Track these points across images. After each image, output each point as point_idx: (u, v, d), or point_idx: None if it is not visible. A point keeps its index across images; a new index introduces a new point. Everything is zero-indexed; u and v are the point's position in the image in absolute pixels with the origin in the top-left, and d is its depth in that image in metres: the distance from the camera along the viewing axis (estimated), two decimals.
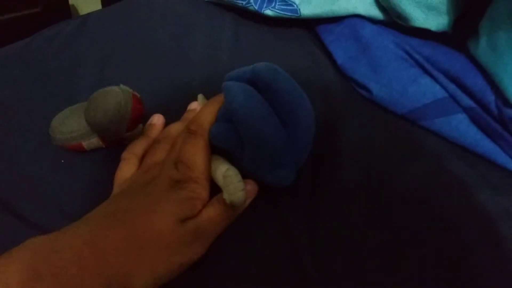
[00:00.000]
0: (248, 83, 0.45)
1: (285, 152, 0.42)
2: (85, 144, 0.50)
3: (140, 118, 0.51)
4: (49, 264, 0.30)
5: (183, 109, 0.56)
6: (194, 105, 0.55)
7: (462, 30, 0.57)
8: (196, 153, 0.42)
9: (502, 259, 0.43)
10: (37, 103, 0.62)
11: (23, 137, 0.57)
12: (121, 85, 0.50)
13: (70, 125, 0.51)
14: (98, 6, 0.96)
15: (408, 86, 0.55)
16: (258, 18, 0.71)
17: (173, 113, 0.55)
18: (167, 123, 0.55)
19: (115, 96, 0.47)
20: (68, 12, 0.89)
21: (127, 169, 0.45)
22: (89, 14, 0.79)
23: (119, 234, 0.34)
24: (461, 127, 0.53)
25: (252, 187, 0.44)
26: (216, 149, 0.45)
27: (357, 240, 0.45)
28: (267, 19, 0.70)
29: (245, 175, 0.43)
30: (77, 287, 0.30)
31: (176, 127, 0.50)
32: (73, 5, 0.92)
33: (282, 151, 0.42)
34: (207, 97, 0.59)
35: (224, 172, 0.41)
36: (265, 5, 0.66)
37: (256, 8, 0.67)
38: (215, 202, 0.41)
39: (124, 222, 0.35)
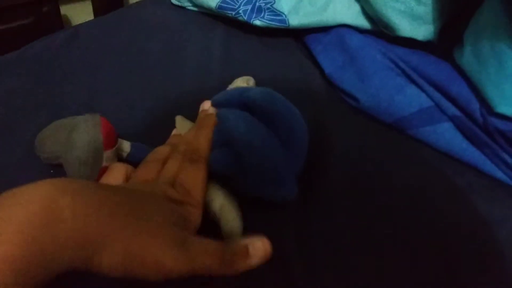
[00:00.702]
0: (240, 108, 0.45)
1: (286, 170, 0.43)
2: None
3: (114, 139, 0.48)
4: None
5: (173, 118, 0.57)
6: (176, 131, 0.54)
7: (448, 39, 0.58)
8: (197, 181, 0.40)
9: (488, 262, 0.43)
10: (28, 113, 0.62)
11: (13, 147, 0.57)
12: (86, 115, 0.47)
13: (50, 145, 0.48)
14: (90, 16, 0.97)
15: (395, 95, 0.55)
16: (248, 28, 0.72)
17: (163, 124, 0.55)
18: (159, 133, 0.55)
19: (85, 136, 0.44)
20: (60, 22, 0.90)
21: (145, 172, 0.43)
22: (81, 25, 0.79)
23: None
24: (447, 135, 0.53)
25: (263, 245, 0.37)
26: (212, 175, 0.44)
27: (346, 243, 0.45)
28: (257, 29, 0.70)
29: (246, 197, 0.43)
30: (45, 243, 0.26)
31: (163, 150, 0.47)
32: (65, 15, 0.93)
33: (284, 170, 0.42)
34: (194, 106, 0.59)
35: (222, 200, 0.41)
36: (254, 15, 0.67)
37: (246, 18, 0.67)
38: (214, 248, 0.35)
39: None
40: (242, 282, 0.42)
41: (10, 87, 0.66)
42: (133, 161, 0.46)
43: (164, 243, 0.31)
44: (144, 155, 0.44)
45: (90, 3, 0.97)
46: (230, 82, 0.61)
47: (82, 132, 0.44)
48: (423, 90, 0.55)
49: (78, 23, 0.83)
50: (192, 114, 0.59)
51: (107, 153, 0.44)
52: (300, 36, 0.69)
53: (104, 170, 0.43)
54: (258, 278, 0.42)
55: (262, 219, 0.46)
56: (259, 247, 0.36)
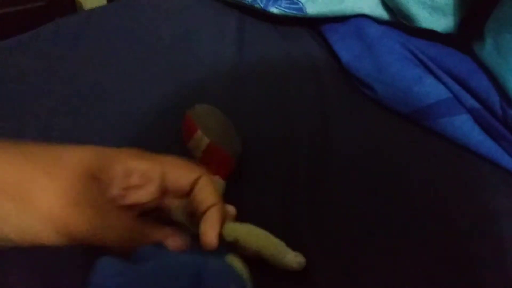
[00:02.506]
0: None
1: None
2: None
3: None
4: None
5: (187, 104, 0.56)
6: None
7: (467, 31, 0.57)
8: None
9: (503, 255, 0.43)
10: (40, 94, 0.62)
11: (23, 128, 0.57)
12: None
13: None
14: (103, 1, 0.97)
15: (413, 86, 0.55)
16: (262, 16, 0.71)
17: (176, 108, 0.55)
18: (171, 118, 0.55)
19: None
20: (73, 6, 0.90)
21: None
22: (94, 9, 0.79)
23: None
24: (464, 127, 0.53)
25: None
26: None
27: (363, 235, 0.45)
28: (272, 17, 0.70)
29: None
30: None
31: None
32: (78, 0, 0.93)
33: None
34: (211, 95, 0.59)
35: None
36: (271, 3, 0.67)
37: (262, 5, 0.67)
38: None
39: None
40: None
41: (24, 67, 0.67)
42: None
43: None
44: None
45: None
46: (245, 70, 0.61)
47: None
48: (441, 82, 0.55)
49: (90, 7, 0.83)
50: (205, 101, 0.59)
51: None
52: (316, 25, 0.68)
53: None
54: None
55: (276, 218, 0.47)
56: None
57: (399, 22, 0.61)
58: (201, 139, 0.47)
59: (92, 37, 0.72)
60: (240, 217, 0.40)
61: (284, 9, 0.66)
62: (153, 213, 0.36)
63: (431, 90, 0.54)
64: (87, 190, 0.30)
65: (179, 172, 0.35)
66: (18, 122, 0.58)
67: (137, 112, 0.59)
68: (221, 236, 0.34)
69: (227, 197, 0.39)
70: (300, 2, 0.65)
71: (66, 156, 0.31)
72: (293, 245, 0.39)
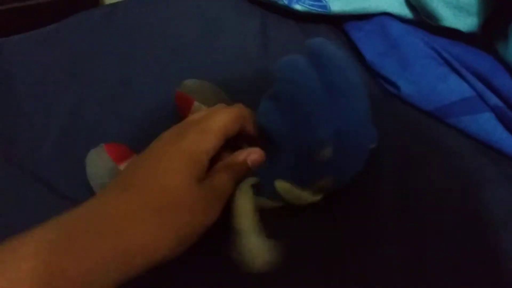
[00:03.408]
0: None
1: (322, 112, 0.41)
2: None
3: (123, 154, 0.49)
4: (63, 257, 0.29)
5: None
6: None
7: (491, 31, 0.58)
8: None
9: None
10: (63, 87, 0.63)
11: (48, 120, 0.58)
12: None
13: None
14: None
15: (437, 84, 0.56)
16: (285, 13, 0.72)
17: None
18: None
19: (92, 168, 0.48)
20: (95, 0, 0.91)
21: None
22: (117, 3, 0.80)
23: (134, 203, 0.33)
24: (487, 125, 0.54)
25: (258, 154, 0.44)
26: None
27: (381, 227, 0.47)
28: (295, 15, 0.71)
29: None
30: (97, 264, 0.29)
31: None
32: None
33: (319, 109, 0.41)
34: (233, 92, 0.60)
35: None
36: (295, 0, 0.67)
37: (286, 2, 0.68)
38: (224, 169, 0.41)
39: (137, 188, 0.34)
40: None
41: (47, 59, 0.68)
42: None
43: (202, 214, 0.37)
44: None
45: None
46: (269, 67, 0.62)
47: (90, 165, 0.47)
48: (465, 80, 0.56)
49: (111, 2, 0.84)
50: (227, 95, 0.60)
51: (122, 166, 0.46)
52: (340, 23, 0.69)
53: None
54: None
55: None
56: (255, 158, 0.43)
57: (423, 21, 0.62)
58: (200, 108, 0.50)
59: (115, 31, 0.73)
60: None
61: (308, 7, 0.67)
62: None
63: (455, 88, 0.55)
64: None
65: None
66: (43, 115, 0.59)
67: (160, 106, 0.60)
68: None
69: None
70: None
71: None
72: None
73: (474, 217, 0.48)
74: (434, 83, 0.56)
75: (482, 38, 0.59)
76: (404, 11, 0.63)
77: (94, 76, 0.64)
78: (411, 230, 0.47)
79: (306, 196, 0.43)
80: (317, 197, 0.44)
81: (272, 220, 0.42)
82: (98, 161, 0.46)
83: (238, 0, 0.78)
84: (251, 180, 0.44)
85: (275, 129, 0.44)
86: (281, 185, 0.43)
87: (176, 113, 0.56)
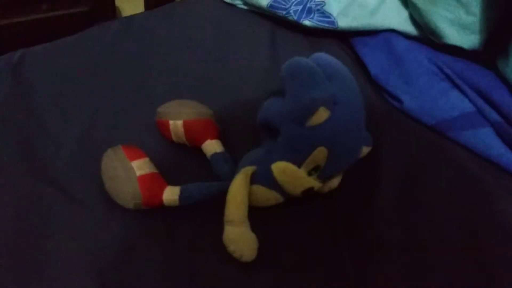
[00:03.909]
0: None
1: (319, 80, 0.44)
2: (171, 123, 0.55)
3: (137, 153, 0.52)
4: None
5: (222, 111, 0.60)
6: None
7: (492, 49, 0.60)
8: None
9: None
10: (80, 97, 0.65)
11: (68, 126, 0.61)
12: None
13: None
14: (140, 9, 1.01)
15: (438, 98, 0.58)
16: (294, 28, 0.75)
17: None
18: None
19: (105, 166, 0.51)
20: (113, 12, 0.94)
21: None
22: (134, 16, 0.83)
23: None
24: (487, 140, 0.56)
25: None
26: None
27: (380, 233, 0.49)
28: (304, 29, 0.73)
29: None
30: None
31: None
32: (117, 6, 0.97)
33: (316, 79, 0.44)
34: (243, 102, 0.63)
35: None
36: (304, 16, 0.70)
37: (296, 18, 0.71)
38: None
39: None
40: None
41: (66, 69, 0.70)
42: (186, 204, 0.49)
43: None
44: (196, 195, 0.49)
45: None
46: (278, 79, 0.64)
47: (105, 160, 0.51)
48: (466, 96, 0.58)
49: (128, 14, 0.87)
50: (237, 106, 0.63)
51: (135, 163, 0.49)
52: (346, 38, 0.71)
53: (143, 177, 0.48)
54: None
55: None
56: None
57: (427, 37, 0.64)
58: (176, 125, 0.54)
59: (132, 42, 0.76)
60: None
61: (317, 22, 0.69)
62: None
63: (456, 103, 0.57)
64: None
65: None
66: (61, 124, 0.61)
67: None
68: None
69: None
70: (332, 15, 0.69)
71: None
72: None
73: (475, 227, 0.50)
74: (436, 98, 0.58)
75: (484, 55, 0.61)
76: (409, 28, 0.65)
77: (111, 85, 0.67)
78: (410, 238, 0.49)
79: (302, 175, 0.45)
80: (313, 180, 0.46)
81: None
82: (114, 156, 0.49)
83: (250, 14, 0.81)
84: (249, 169, 0.47)
85: (275, 113, 0.47)
86: (277, 166, 0.45)
87: None
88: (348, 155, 0.46)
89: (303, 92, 0.43)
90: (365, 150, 0.49)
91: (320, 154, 0.44)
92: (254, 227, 0.46)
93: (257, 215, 0.46)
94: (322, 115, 0.42)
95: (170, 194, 0.49)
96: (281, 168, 0.45)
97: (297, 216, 0.50)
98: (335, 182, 0.49)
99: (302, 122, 0.43)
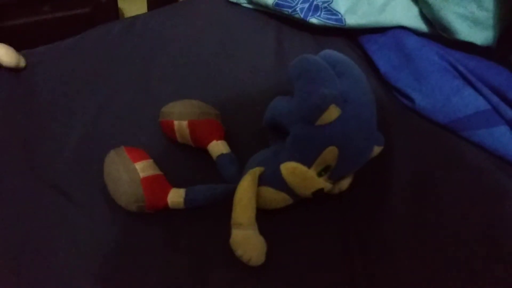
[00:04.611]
0: None
1: (328, 76, 0.43)
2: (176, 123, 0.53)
3: (139, 155, 0.51)
4: None
5: (228, 109, 0.58)
6: None
7: (506, 45, 0.58)
8: None
9: None
10: (82, 98, 0.64)
11: (70, 127, 0.60)
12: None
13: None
14: (143, 10, 1.00)
15: (451, 97, 0.56)
16: (301, 26, 0.73)
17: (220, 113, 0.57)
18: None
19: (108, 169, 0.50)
20: (116, 13, 0.93)
21: None
22: (137, 16, 0.82)
23: None
24: (503, 138, 0.53)
25: None
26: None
27: (393, 235, 0.47)
28: (310, 28, 0.72)
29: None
30: None
31: None
32: (120, 7, 0.96)
33: (326, 75, 0.43)
34: (249, 101, 0.61)
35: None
36: (310, 14, 0.68)
37: (302, 16, 0.69)
38: None
39: None
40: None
41: (69, 70, 0.69)
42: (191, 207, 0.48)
43: None
44: (201, 197, 0.48)
45: None
46: (284, 78, 0.62)
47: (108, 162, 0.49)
48: (480, 93, 0.56)
49: (131, 15, 0.86)
50: (243, 106, 0.61)
51: (139, 165, 0.47)
52: (354, 36, 0.70)
53: (147, 179, 0.46)
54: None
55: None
56: None
57: (438, 34, 0.62)
58: (181, 125, 0.53)
59: (134, 43, 0.75)
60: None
61: (324, 20, 0.68)
62: None
63: (470, 101, 0.55)
64: None
65: None
66: (63, 124, 0.60)
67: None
68: None
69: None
70: (339, 13, 0.67)
71: None
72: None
73: (491, 226, 0.48)
74: (449, 96, 0.56)
75: (497, 52, 0.59)
76: (419, 24, 0.63)
77: (114, 86, 0.66)
78: (423, 239, 0.47)
79: (312, 176, 0.43)
80: (323, 181, 0.44)
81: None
82: (116, 158, 0.48)
83: (255, 13, 0.79)
84: (257, 170, 0.45)
85: (282, 113, 0.46)
86: (286, 166, 0.44)
87: None
88: (360, 155, 0.44)
89: (312, 90, 0.41)
90: (377, 150, 0.48)
91: (330, 154, 0.42)
92: (263, 230, 0.44)
93: (265, 218, 0.45)
94: (332, 113, 0.41)
95: (175, 197, 0.47)
96: (290, 169, 0.43)
97: (307, 218, 0.49)
98: (345, 183, 0.47)
99: (312, 121, 0.41)
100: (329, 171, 0.44)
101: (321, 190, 0.44)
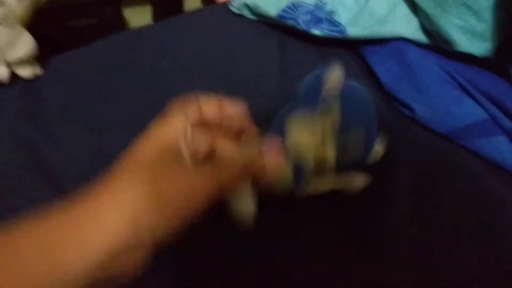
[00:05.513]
0: None
1: None
2: None
3: None
4: None
5: None
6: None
7: (504, 55, 0.60)
8: None
9: None
10: (90, 109, 0.65)
11: (78, 138, 0.61)
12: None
13: None
14: (148, 21, 1.02)
15: (451, 106, 0.57)
16: (304, 37, 0.75)
17: None
18: None
19: None
20: (122, 24, 0.95)
21: None
22: (142, 28, 0.84)
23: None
24: (501, 148, 0.55)
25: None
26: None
27: (395, 240, 0.49)
28: (313, 39, 0.73)
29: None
30: None
31: None
32: (125, 18, 0.98)
33: None
34: (255, 113, 0.62)
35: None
36: (312, 25, 0.70)
37: (304, 27, 0.70)
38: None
39: None
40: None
41: (77, 81, 0.71)
42: None
43: None
44: None
45: (150, 7, 1.02)
46: (287, 88, 0.64)
47: None
48: (479, 103, 0.57)
49: (136, 25, 0.88)
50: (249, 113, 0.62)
51: None
52: (356, 46, 0.71)
53: None
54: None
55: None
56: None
57: (438, 45, 0.64)
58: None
59: (141, 53, 0.76)
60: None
61: (326, 31, 0.69)
62: None
63: (469, 111, 0.57)
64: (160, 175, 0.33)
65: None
66: (71, 135, 0.61)
67: None
68: None
69: None
70: (341, 24, 0.68)
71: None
72: None
73: (490, 234, 0.49)
74: (448, 106, 0.58)
75: (496, 63, 0.60)
76: (420, 36, 0.65)
77: (122, 97, 0.67)
78: (423, 249, 0.48)
79: (316, 128, 0.45)
80: (329, 146, 0.45)
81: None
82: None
83: (258, 24, 0.81)
84: None
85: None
86: (291, 119, 0.45)
87: None
88: (362, 132, 0.47)
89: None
90: (379, 149, 0.49)
91: (333, 110, 0.45)
92: (263, 226, 0.43)
93: (266, 213, 0.45)
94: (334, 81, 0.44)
95: None
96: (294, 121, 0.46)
97: (309, 215, 0.50)
98: (358, 181, 0.48)
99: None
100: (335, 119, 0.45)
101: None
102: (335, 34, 0.69)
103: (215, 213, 0.46)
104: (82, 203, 0.32)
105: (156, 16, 1.00)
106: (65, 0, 0.63)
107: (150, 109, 0.65)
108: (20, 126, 0.62)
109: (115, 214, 0.30)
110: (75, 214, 0.31)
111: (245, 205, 0.40)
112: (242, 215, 0.39)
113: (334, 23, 0.69)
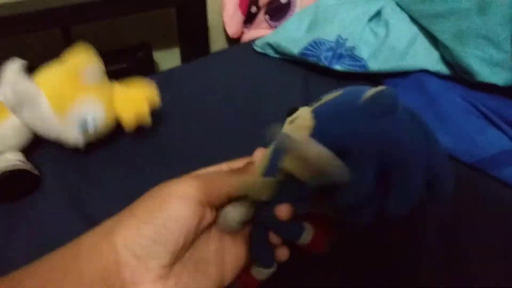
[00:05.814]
0: None
1: None
2: None
3: None
4: None
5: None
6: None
7: None
8: None
9: None
10: (125, 150, 0.68)
11: (113, 175, 0.64)
12: None
13: None
14: (177, 62, 1.06)
15: (476, 136, 0.58)
16: (326, 72, 0.77)
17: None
18: None
19: None
20: (152, 67, 0.99)
21: None
22: (172, 70, 0.88)
23: None
24: None
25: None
26: None
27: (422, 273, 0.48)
28: (335, 73, 0.75)
29: None
30: None
31: None
32: (155, 60, 1.02)
33: None
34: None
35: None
36: (334, 61, 0.72)
37: (327, 63, 0.73)
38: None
39: None
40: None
41: None
42: None
43: None
44: None
45: (178, 50, 1.07)
46: None
47: None
48: (504, 132, 0.57)
49: (166, 67, 0.92)
50: None
51: None
52: (378, 79, 0.73)
53: None
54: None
55: None
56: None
57: (460, 76, 0.64)
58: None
59: (173, 94, 0.80)
60: None
61: (348, 66, 0.71)
62: None
63: (494, 140, 0.57)
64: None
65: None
66: (114, 170, 0.64)
67: (212, 163, 0.64)
68: None
69: None
70: (363, 59, 0.70)
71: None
72: None
73: None
74: (473, 136, 0.58)
75: None
76: (441, 67, 0.66)
77: (157, 136, 0.70)
78: (455, 281, 0.48)
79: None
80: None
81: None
82: None
83: (282, 62, 0.84)
84: None
85: None
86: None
87: None
88: None
89: None
90: None
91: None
92: None
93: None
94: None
95: None
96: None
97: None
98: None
99: None
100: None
101: None
102: (357, 69, 0.71)
103: None
104: None
105: (185, 58, 1.05)
106: (99, 48, 0.66)
107: (186, 150, 0.67)
108: (61, 168, 0.65)
109: None
110: None
111: (235, 215, 0.36)
112: (228, 222, 0.36)
113: (355, 58, 0.71)
